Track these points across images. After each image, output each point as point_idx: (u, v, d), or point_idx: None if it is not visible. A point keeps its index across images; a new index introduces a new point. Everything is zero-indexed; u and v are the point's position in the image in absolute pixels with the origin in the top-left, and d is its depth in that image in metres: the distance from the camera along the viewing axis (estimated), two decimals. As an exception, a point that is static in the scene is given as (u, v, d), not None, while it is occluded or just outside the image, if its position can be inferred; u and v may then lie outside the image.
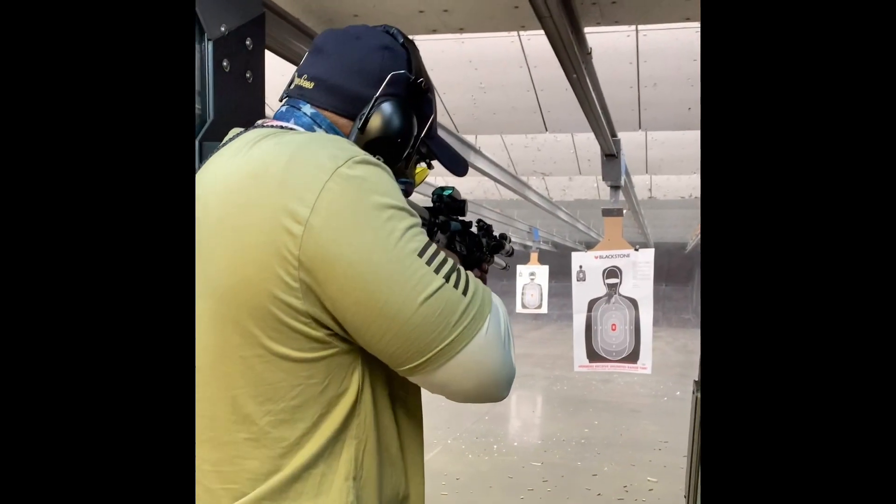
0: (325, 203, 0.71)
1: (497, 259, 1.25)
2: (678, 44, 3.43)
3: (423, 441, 0.91)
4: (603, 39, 3.24)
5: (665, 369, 9.47)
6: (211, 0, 1.07)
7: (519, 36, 3.40)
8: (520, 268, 11.16)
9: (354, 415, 0.78)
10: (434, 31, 2.62)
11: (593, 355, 4.45)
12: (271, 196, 0.72)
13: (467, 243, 1.12)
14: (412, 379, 0.78)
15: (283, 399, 0.75)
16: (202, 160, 0.89)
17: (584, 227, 11.12)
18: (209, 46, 1.08)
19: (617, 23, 2.60)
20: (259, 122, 0.89)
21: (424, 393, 0.88)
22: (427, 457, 5.12)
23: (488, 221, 1.18)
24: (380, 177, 0.75)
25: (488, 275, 1.16)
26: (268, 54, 1.52)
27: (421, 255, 0.74)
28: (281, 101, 0.92)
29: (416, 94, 0.91)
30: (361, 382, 0.78)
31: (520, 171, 6.42)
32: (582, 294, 4.43)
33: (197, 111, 1.05)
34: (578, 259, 4.42)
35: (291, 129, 0.85)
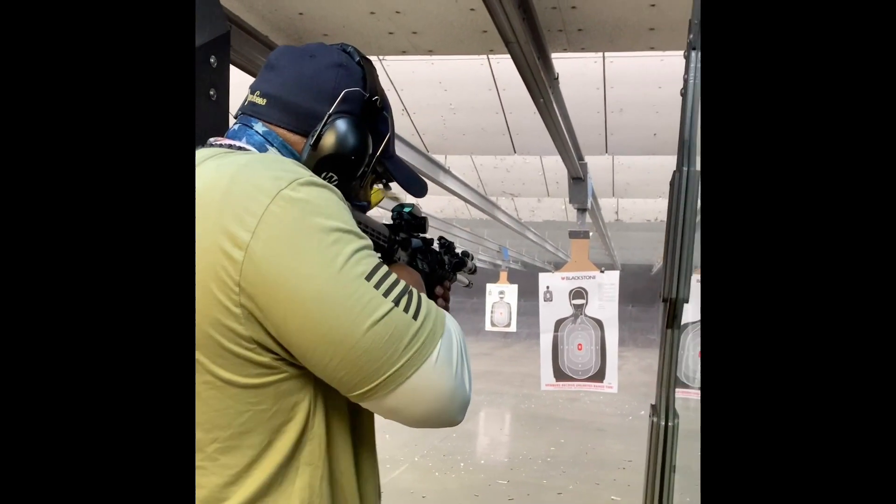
0: (267, 227, 0.69)
1: (460, 276, 1.25)
2: (644, 71, 3.51)
3: (378, 467, 0.90)
4: (570, 65, 3.30)
5: (631, 388, 9.54)
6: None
7: (488, 59, 3.45)
8: (489, 286, 11.20)
9: (306, 441, 0.76)
10: (404, 53, 2.65)
11: (560, 374, 4.51)
12: (211, 220, 0.71)
13: (429, 260, 1.11)
14: (363, 405, 0.76)
15: (230, 426, 0.74)
16: None
17: (552, 248, 11.20)
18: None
19: (583, 49, 2.65)
20: (210, 139, 0.88)
21: None
22: (393, 474, 5.09)
23: (457, 240, 1.21)
24: (326, 199, 0.73)
25: (457, 292, 1.17)
26: (236, 71, 1.53)
27: (369, 278, 0.72)
28: (235, 118, 0.91)
29: (370, 112, 0.90)
30: (313, 407, 0.77)
31: (489, 192, 6.47)
32: (549, 314, 4.48)
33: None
34: (546, 280, 4.48)
35: (241, 147, 0.84)
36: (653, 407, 1.41)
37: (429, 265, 1.11)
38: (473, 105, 4.02)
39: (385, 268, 0.75)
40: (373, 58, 3.55)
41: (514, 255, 13.26)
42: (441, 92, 3.86)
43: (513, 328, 11.26)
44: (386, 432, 6.54)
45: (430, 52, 2.67)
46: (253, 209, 0.70)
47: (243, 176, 0.72)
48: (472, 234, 10.28)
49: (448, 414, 0.77)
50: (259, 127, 0.86)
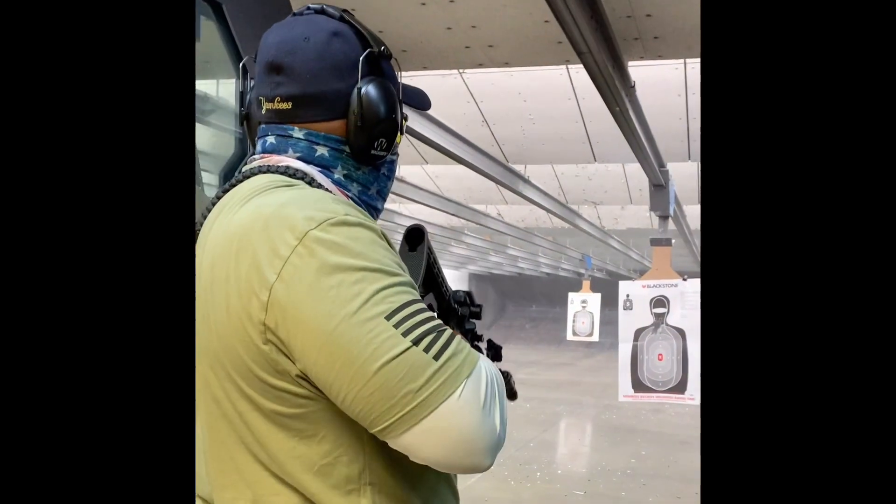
0: (291, 268, 0.72)
1: None
2: (727, 76, 3.45)
3: (440, 482, 0.88)
4: (650, 72, 3.28)
5: (718, 403, 9.26)
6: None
7: (567, 68, 3.47)
8: (571, 295, 11.08)
9: (362, 461, 0.77)
10: (481, 65, 2.72)
11: (639, 385, 4.43)
12: (248, 259, 0.74)
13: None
14: (386, 441, 0.75)
15: (281, 452, 0.76)
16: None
17: (637, 256, 11.02)
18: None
19: (660, 57, 2.65)
20: (256, 158, 0.89)
21: None
22: (468, 482, 5.13)
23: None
24: (355, 238, 0.74)
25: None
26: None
27: (390, 317, 0.71)
28: (259, 131, 0.90)
29: (380, 63, 0.89)
30: (362, 430, 0.77)
31: (570, 200, 6.44)
32: (628, 323, 4.41)
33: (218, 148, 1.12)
34: (626, 288, 4.42)
35: (289, 168, 0.85)
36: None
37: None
38: (553, 115, 4.04)
39: (414, 307, 0.74)
40: (451, 71, 3.63)
41: (598, 263, 13.10)
42: (520, 103, 3.90)
43: (595, 338, 11.09)
44: (465, 439, 6.54)
45: (507, 65, 2.73)
46: (281, 251, 0.73)
47: (278, 217, 0.75)
48: (554, 243, 10.24)
49: (470, 456, 0.74)
50: (297, 132, 0.86)
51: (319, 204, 0.76)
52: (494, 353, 0.99)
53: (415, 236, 0.95)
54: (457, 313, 0.99)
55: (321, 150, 0.86)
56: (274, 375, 0.74)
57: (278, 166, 0.85)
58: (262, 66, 0.87)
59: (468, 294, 1.02)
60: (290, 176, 0.84)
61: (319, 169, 0.86)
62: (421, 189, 5.18)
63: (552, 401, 9.74)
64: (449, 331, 0.75)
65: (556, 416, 8.79)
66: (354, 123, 0.85)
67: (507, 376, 0.95)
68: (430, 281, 0.96)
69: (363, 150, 0.86)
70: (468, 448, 0.73)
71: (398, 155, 0.94)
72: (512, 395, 0.96)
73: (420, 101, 0.97)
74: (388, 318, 0.71)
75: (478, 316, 1.01)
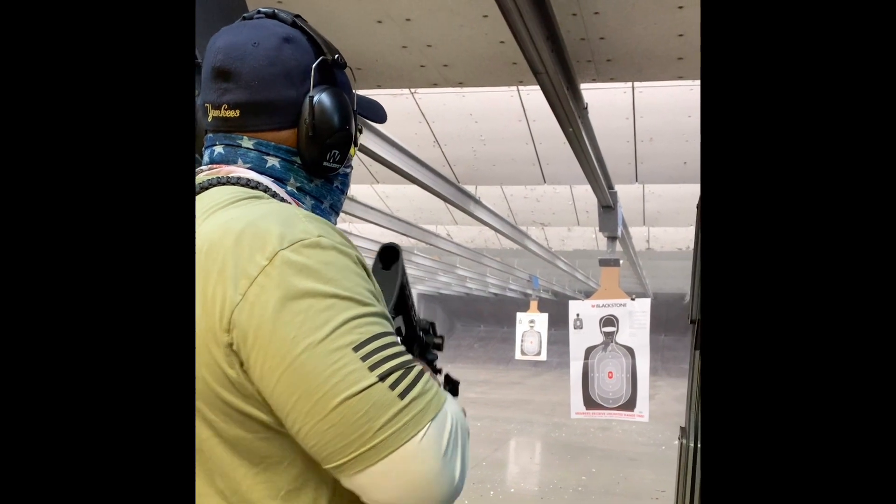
0: (258, 289, 0.68)
1: None
2: (673, 100, 3.54)
3: None
4: (600, 95, 3.34)
5: (664, 418, 9.38)
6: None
7: (518, 91, 3.52)
8: (519, 315, 11.18)
9: (331, 485, 0.73)
10: (435, 85, 2.72)
11: (590, 402, 4.47)
12: (214, 279, 0.70)
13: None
14: (337, 477, 0.71)
15: (244, 479, 0.73)
16: None
17: (582, 277, 11.17)
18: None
19: (612, 80, 2.70)
20: (204, 169, 0.84)
21: None
22: None
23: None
24: (328, 262, 0.70)
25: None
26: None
27: (358, 348, 0.67)
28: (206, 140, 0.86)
29: (333, 71, 0.85)
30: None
31: (519, 221, 6.50)
32: (579, 342, 4.46)
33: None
34: (576, 307, 4.47)
35: (241, 177, 0.81)
36: (682, 429, 1.43)
37: None
38: (504, 136, 4.08)
39: (385, 339, 0.70)
40: (403, 91, 3.64)
41: (545, 284, 13.24)
42: (472, 124, 3.93)
43: (543, 357, 11.20)
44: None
45: (461, 84, 2.74)
46: (250, 271, 0.69)
47: (251, 233, 0.71)
48: (503, 264, 10.32)
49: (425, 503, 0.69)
50: (246, 142, 0.82)
51: (293, 222, 0.72)
52: (452, 387, 0.95)
53: (389, 254, 0.92)
54: (421, 341, 0.96)
55: (272, 161, 0.83)
56: (241, 399, 0.70)
57: (230, 177, 0.81)
58: (208, 72, 0.83)
59: (432, 325, 0.99)
60: (251, 188, 0.80)
61: (273, 180, 0.83)
62: (371, 208, 5.17)
63: (503, 419, 9.74)
64: (418, 367, 0.71)
65: (507, 434, 8.80)
66: (306, 133, 0.82)
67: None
68: (401, 303, 0.93)
69: (315, 162, 0.83)
70: (423, 495, 0.69)
71: (352, 168, 0.91)
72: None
73: (376, 113, 0.94)
74: (356, 349, 0.68)
75: (440, 347, 0.98)
